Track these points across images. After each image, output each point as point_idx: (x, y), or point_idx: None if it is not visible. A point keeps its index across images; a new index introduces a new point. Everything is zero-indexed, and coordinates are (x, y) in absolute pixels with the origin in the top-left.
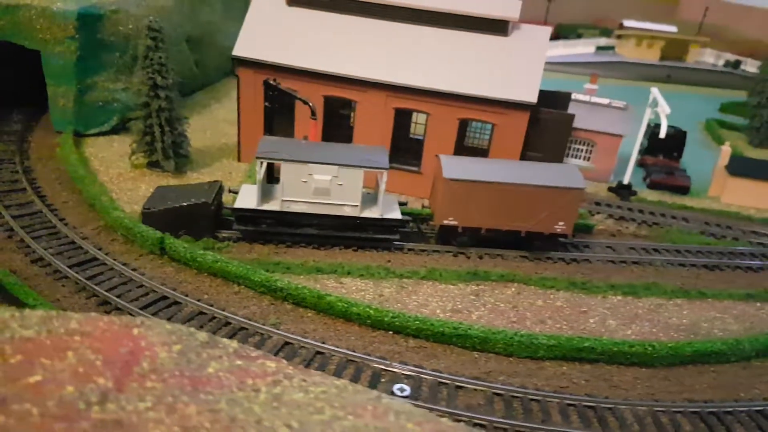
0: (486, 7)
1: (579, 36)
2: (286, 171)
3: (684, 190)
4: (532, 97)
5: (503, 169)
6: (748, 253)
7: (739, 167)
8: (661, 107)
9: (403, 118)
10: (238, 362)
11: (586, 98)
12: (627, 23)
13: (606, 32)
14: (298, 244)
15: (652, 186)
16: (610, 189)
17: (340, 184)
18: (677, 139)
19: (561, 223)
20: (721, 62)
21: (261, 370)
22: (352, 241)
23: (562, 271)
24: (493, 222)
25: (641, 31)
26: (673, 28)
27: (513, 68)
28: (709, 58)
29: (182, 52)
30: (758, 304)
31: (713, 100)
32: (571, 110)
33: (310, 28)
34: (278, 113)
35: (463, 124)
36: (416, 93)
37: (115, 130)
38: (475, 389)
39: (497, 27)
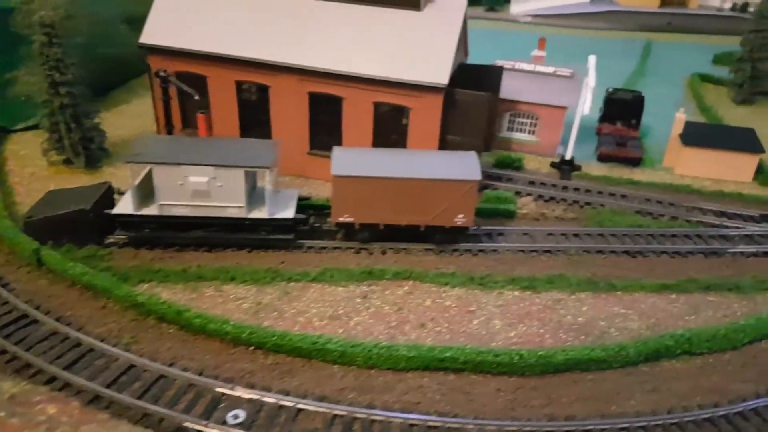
0: None
1: None
2: (158, 174)
3: (635, 162)
4: (443, 79)
5: (398, 162)
6: (681, 235)
7: (694, 136)
8: (587, 79)
9: (326, 102)
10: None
11: (530, 67)
12: None
13: None
14: (188, 248)
15: (602, 159)
16: (552, 165)
17: (220, 185)
18: (635, 105)
19: (461, 216)
20: (727, 5)
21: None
22: (244, 243)
23: (466, 265)
24: (389, 217)
25: None
26: None
27: (425, 47)
28: (714, 1)
29: (121, 34)
30: (672, 296)
31: (713, 50)
32: (513, 81)
33: (221, 10)
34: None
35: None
36: (329, 76)
37: None
38: (317, 412)
39: (409, 1)
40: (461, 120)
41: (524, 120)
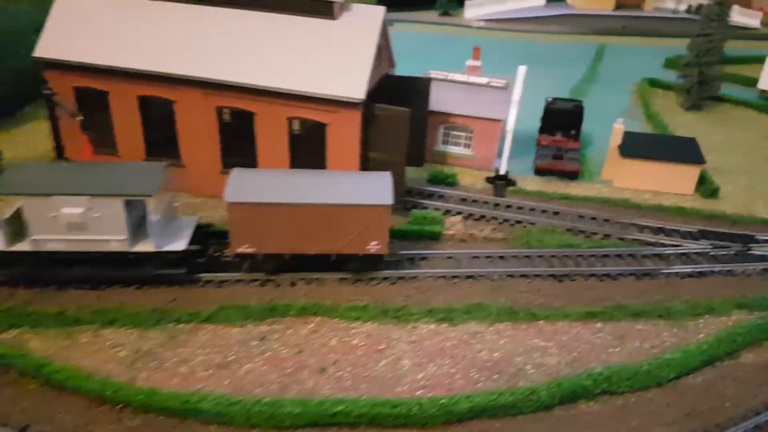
0: None
1: None
2: (28, 207)
3: (572, 176)
4: (359, 93)
5: (303, 185)
6: (612, 255)
7: (632, 147)
8: (517, 89)
9: (236, 117)
10: None
11: (464, 78)
12: None
13: None
14: (69, 287)
15: (539, 172)
16: (487, 180)
17: (97, 216)
18: (575, 115)
19: (374, 243)
20: (682, 7)
21: None
22: (131, 280)
23: (383, 295)
24: (294, 246)
25: None
26: None
27: (340, 59)
28: (669, 4)
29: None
30: (598, 325)
31: (667, 54)
32: (447, 92)
33: (123, 20)
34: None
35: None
36: (237, 90)
37: None
38: None
39: (322, 9)
40: (383, 136)
41: (459, 133)
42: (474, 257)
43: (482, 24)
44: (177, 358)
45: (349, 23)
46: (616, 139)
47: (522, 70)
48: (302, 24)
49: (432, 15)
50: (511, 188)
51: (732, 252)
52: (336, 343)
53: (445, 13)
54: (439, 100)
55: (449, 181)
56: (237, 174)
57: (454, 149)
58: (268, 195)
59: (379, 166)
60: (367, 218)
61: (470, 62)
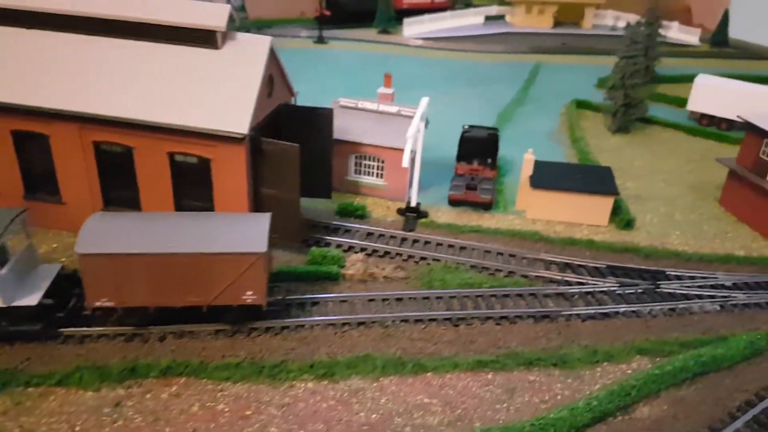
0: (188, 14)
1: (468, 5)
2: None
3: (486, 206)
4: (242, 128)
5: (168, 231)
6: (513, 295)
7: (543, 178)
8: (414, 123)
9: (116, 152)
10: None
11: (374, 106)
12: None
13: None
14: None
15: (452, 203)
16: (399, 211)
17: None
18: (490, 143)
19: (250, 293)
20: (621, 24)
21: None
22: None
23: (263, 348)
24: (158, 299)
25: None
26: None
27: (224, 91)
28: (608, 21)
29: None
30: (488, 376)
31: (603, 72)
32: (357, 121)
33: None
34: None
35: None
36: (114, 124)
37: None
38: None
39: (204, 39)
40: (273, 172)
41: (371, 163)
42: (370, 300)
43: (420, 42)
44: (19, 430)
45: (233, 53)
46: (528, 170)
47: (423, 102)
48: (184, 54)
49: (371, 33)
50: (423, 220)
51: (640, 290)
52: (198, 409)
53: (383, 31)
54: (349, 128)
55: (359, 214)
56: (94, 220)
57: (366, 179)
58: (124, 244)
59: (272, 203)
60: (238, 267)
61: (382, 90)
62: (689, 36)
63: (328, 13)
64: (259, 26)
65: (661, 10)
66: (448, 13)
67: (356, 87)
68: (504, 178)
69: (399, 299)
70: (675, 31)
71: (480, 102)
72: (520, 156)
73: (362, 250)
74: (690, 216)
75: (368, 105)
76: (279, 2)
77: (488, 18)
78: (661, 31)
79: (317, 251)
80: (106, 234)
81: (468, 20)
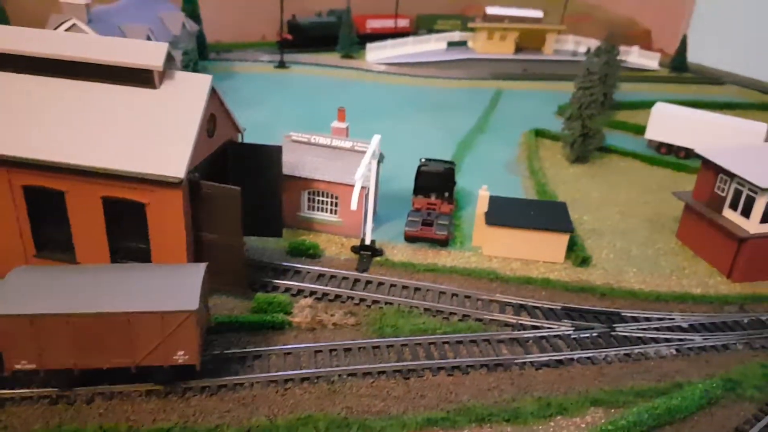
0: (124, 53)
1: (431, 30)
2: None
3: (443, 243)
4: (179, 171)
5: (90, 288)
6: (467, 341)
7: (498, 214)
8: (363, 164)
9: (47, 196)
10: None
11: (327, 141)
12: (490, 10)
13: (470, 21)
14: None
15: (408, 240)
16: (353, 250)
17: None
18: (447, 176)
19: (181, 353)
20: (582, 49)
21: None
22: None
23: (197, 410)
24: (81, 360)
25: (498, 20)
26: (538, 13)
27: (161, 132)
28: (569, 46)
29: None
30: None
31: (565, 98)
32: (309, 156)
33: None
34: None
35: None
36: (45, 168)
37: None
38: None
39: (141, 78)
40: (214, 216)
41: (324, 199)
42: (317, 351)
43: (384, 68)
44: None
45: (172, 93)
46: (482, 206)
47: (375, 140)
48: (120, 94)
49: (334, 57)
50: (378, 259)
51: (595, 334)
52: None
53: (347, 56)
54: (301, 164)
55: (311, 253)
56: (14, 276)
57: (320, 216)
58: (43, 304)
59: (214, 249)
60: (166, 326)
61: (335, 124)
62: (649, 61)
63: (290, 37)
64: (218, 50)
65: (622, 34)
66: (410, 39)
67: (316, 114)
68: (462, 211)
69: (348, 349)
70: (635, 56)
71: (441, 130)
72: (479, 188)
73: (312, 294)
74: (647, 251)
75: (321, 140)
76: (239, 26)
77: (451, 44)
78: (622, 57)
79: (263, 297)
80: (25, 292)
81: (431, 46)
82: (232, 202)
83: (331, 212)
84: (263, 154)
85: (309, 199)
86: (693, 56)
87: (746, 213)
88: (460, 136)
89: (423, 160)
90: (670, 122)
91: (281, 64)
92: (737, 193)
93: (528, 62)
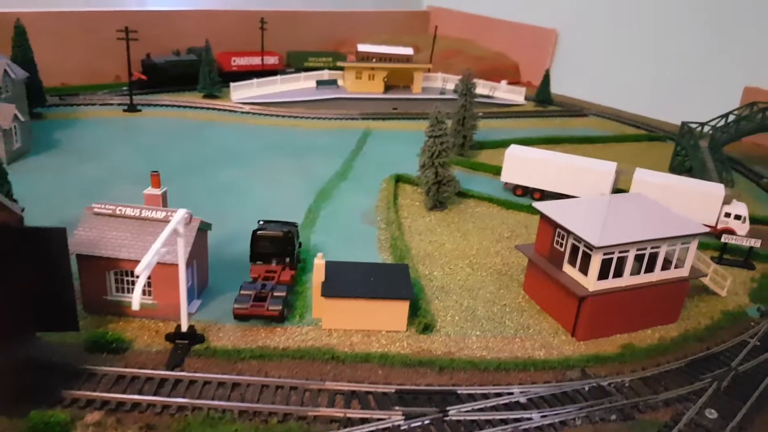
0: None
1: (299, 69)
2: None
3: (277, 320)
4: None
5: None
6: None
7: (335, 283)
8: (154, 248)
9: None
10: None
11: (135, 213)
12: (361, 47)
13: (342, 59)
14: None
15: (238, 318)
16: (167, 337)
17: None
18: (286, 241)
19: None
20: (450, 87)
21: None
22: None
23: None
24: None
25: (368, 59)
26: (408, 50)
27: None
28: (437, 83)
29: None
30: None
31: None
32: (114, 231)
33: None
34: None
35: None
36: None
37: None
38: None
39: None
40: None
41: (134, 279)
42: None
43: (249, 108)
44: None
45: None
46: (319, 275)
47: (179, 214)
48: None
49: (196, 97)
50: (198, 347)
51: (426, 421)
52: None
53: (209, 96)
54: (104, 240)
55: (114, 347)
56: None
57: (130, 298)
58: None
59: None
60: None
61: (149, 191)
62: (515, 95)
63: (144, 77)
64: (61, 95)
65: (490, 69)
66: (278, 77)
67: (163, 165)
68: (309, 273)
69: None
70: (501, 92)
71: (302, 177)
72: (334, 244)
73: (104, 404)
74: (493, 308)
75: (128, 211)
76: (89, 67)
77: (320, 83)
78: (490, 93)
79: (39, 417)
80: None
81: (299, 84)
82: None
83: (144, 293)
84: (43, 240)
85: (116, 280)
86: (557, 88)
87: (584, 270)
88: (320, 184)
89: (261, 222)
90: (523, 165)
91: (131, 108)
92: (575, 249)
93: (397, 101)
